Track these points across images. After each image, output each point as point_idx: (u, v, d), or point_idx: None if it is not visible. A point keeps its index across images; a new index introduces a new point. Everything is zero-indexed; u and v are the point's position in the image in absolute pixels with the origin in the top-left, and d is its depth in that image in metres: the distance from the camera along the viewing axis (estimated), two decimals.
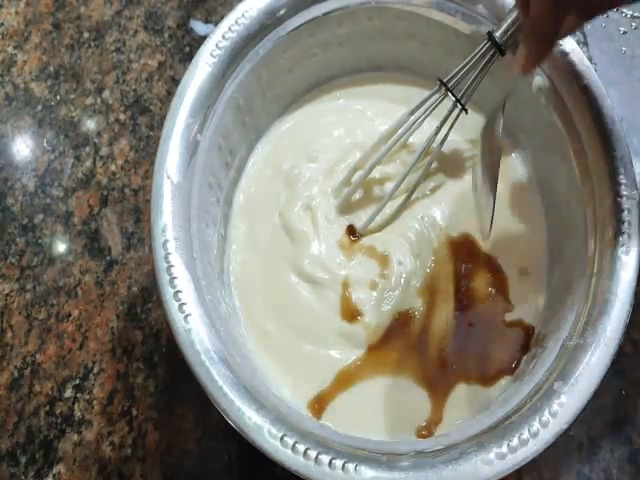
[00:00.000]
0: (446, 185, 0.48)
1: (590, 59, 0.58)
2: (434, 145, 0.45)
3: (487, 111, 0.50)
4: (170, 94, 0.57)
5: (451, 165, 0.49)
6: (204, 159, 0.42)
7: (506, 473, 0.33)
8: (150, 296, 0.50)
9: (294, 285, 0.45)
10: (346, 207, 0.47)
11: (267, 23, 0.44)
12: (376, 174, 0.47)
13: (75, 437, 0.47)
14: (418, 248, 0.45)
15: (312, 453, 0.33)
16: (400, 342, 0.43)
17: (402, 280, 0.44)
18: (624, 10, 0.61)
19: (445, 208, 0.47)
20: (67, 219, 0.53)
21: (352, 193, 0.47)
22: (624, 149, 0.40)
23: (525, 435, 0.34)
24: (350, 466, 0.33)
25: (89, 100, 0.57)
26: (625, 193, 0.39)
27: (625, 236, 0.38)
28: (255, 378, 0.38)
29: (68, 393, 0.48)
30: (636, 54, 0.59)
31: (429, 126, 0.45)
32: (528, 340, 0.43)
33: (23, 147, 0.56)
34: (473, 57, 0.42)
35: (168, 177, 0.39)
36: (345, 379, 0.42)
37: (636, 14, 0.60)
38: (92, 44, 0.60)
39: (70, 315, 0.50)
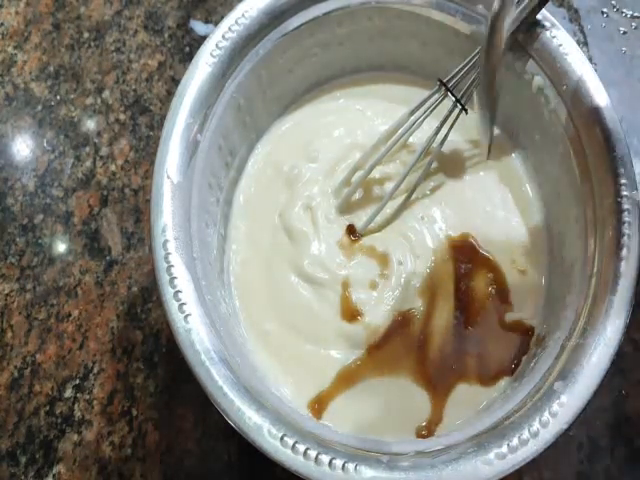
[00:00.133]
0: (446, 185, 0.48)
1: (590, 59, 0.58)
2: (434, 145, 0.45)
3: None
4: (170, 94, 0.57)
5: (451, 165, 0.49)
6: (204, 159, 0.41)
7: (506, 473, 0.33)
8: (150, 296, 0.50)
9: (294, 285, 0.45)
10: (346, 207, 0.47)
11: (267, 23, 0.44)
12: (376, 174, 0.47)
13: (75, 437, 0.47)
14: (418, 248, 0.45)
15: (312, 453, 0.33)
16: (400, 342, 0.43)
17: (402, 280, 0.44)
18: (624, 10, 0.61)
19: (445, 208, 0.47)
20: (67, 219, 0.53)
21: (352, 193, 0.47)
22: (624, 149, 0.40)
23: (525, 435, 0.34)
24: (350, 466, 0.33)
25: (89, 100, 0.57)
26: (625, 193, 0.39)
27: (625, 236, 0.38)
28: (255, 378, 0.38)
29: (68, 393, 0.48)
30: (636, 54, 0.59)
31: (429, 126, 0.45)
32: (528, 340, 0.43)
33: (23, 147, 0.56)
34: (473, 57, 0.42)
35: (168, 177, 0.39)
36: (345, 379, 0.42)
37: (636, 14, 0.60)
38: (92, 44, 0.60)
39: (70, 315, 0.50)
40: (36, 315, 0.50)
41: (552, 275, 0.45)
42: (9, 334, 0.50)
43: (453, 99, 0.43)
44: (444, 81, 0.43)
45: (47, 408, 0.48)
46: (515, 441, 0.33)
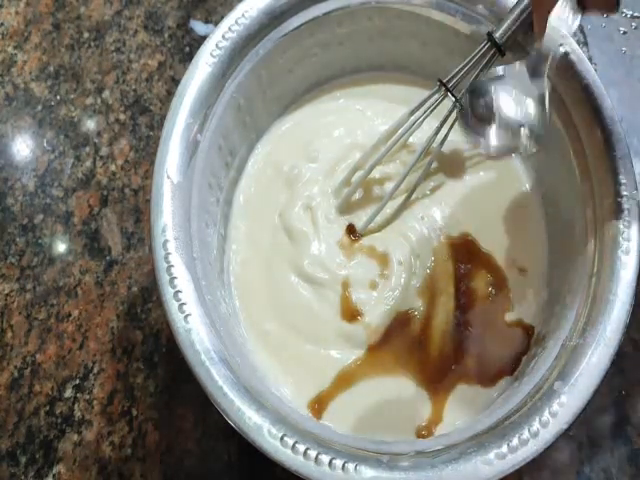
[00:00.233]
0: (446, 185, 0.48)
1: (590, 59, 0.58)
2: (434, 145, 0.45)
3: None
4: (170, 94, 0.57)
5: (451, 165, 0.49)
6: (204, 159, 0.42)
7: (506, 473, 0.33)
8: (150, 296, 0.50)
9: (294, 285, 0.45)
10: (346, 207, 0.47)
11: (267, 23, 0.44)
12: (376, 174, 0.47)
13: (75, 437, 0.47)
14: (418, 248, 0.45)
15: (312, 453, 0.33)
16: (400, 342, 0.43)
17: (402, 280, 0.44)
18: (624, 10, 0.61)
19: (445, 208, 0.47)
20: (67, 219, 0.53)
21: (352, 193, 0.47)
22: (624, 149, 0.40)
23: (525, 435, 0.34)
24: (350, 466, 0.33)
25: (89, 100, 0.57)
26: (625, 193, 0.39)
27: (625, 236, 0.38)
28: (255, 378, 0.38)
29: (68, 393, 0.48)
30: (636, 54, 0.59)
31: (429, 126, 0.45)
32: (528, 340, 0.43)
33: (23, 147, 0.56)
34: (473, 57, 0.42)
35: (168, 177, 0.39)
36: (345, 379, 0.42)
37: (636, 14, 0.60)
38: (92, 44, 0.60)
39: (70, 315, 0.50)
40: (36, 315, 0.50)
41: (552, 275, 0.45)
42: (9, 334, 0.50)
43: (453, 99, 0.43)
44: (444, 81, 0.43)
45: (47, 408, 0.48)
46: (515, 441, 0.33)
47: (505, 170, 0.49)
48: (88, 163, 0.55)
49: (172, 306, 0.36)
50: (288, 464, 0.33)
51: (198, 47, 0.42)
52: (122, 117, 0.57)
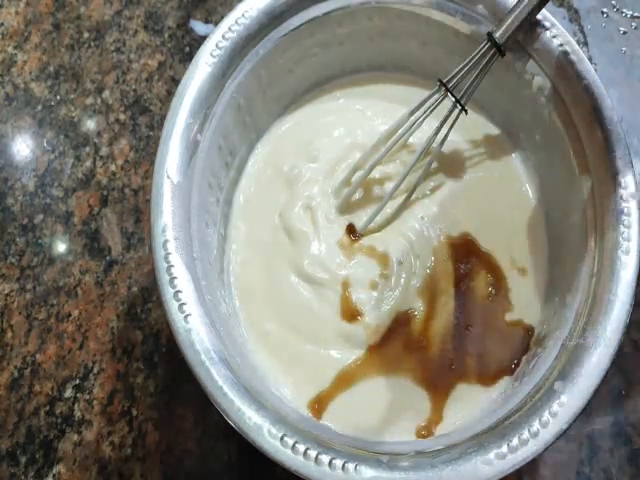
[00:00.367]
0: (446, 185, 0.48)
1: (590, 59, 0.58)
2: (434, 145, 0.45)
3: (487, 111, 0.50)
4: (170, 94, 0.57)
5: (451, 165, 0.49)
6: (204, 159, 0.42)
7: (506, 473, 0.33)
8: (150, 296, 0.50)
9: (294, 285, 0.45)
10: (346, 207, 0.47)
11: (267, 23, 0.44)
12: (376, 174, 0.47)
13: (75, 437, 0.47)
14: (418, 248, 0.45)
15: (312, 453, 0.33)
16: (400, 342, 0.43)
17: (402, 280, 0.44)
18: (624, 10, 0.61)
19: (445, 208, 0.47)
20: (67, 219, 0.53)
21: (352, 193, 0.47)
22: (624, 149, 0.40)
23: (525, 435, 0.34)
24: (350, 466, 0.33)
25: (89, 100, 0.57)
26: (625, 193, 0.39)
27: (625, 236, 0.38)
28: (255, 378, 0.38)
29: (68, 393, 0.48)
30: (636, 54, 0.59)
31: (429, 126, 0.45)
32: (528, 340, 0.43)
33: (23, 147, 0.56)
34: (473, 57, 0.42)
35: (168, 177, 0.39)
36: (345, 379, 0.42)
37: (636, 14, 0.60)
38: (92, 44, 0.60)
39: (70, 315, 0.50)
40: (36, 315, 0.50)
41: (552, 275, 0.45)
42: (9, 334, 0.50)
43: (453, 99, 0.43)
44: (444, 81, 0.43)
45: (47, 408, 0.48)
46: (515, 441, 0.33)
47: (505, 170, 0.49)
48: (88, 163, 0.55)
49: (172, 306, 0.36)
50: (288, 464, 0.33)
51: (198, 47, 0.42)
52: (122, 117, 0.57)
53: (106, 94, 0.58)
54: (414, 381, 0.42)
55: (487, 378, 0.42)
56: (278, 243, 0.46)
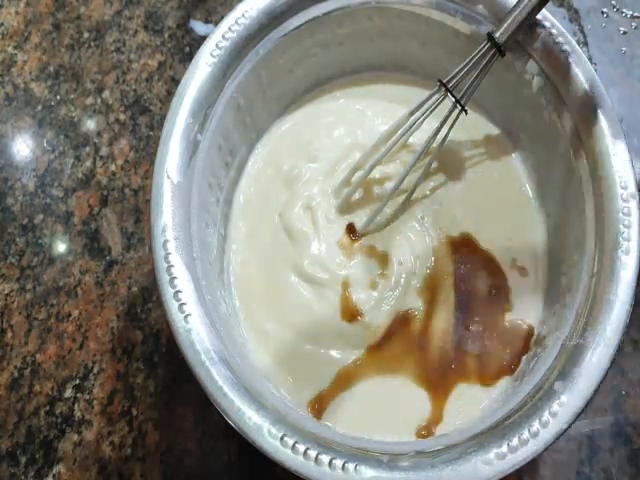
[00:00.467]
0: (446, 185, 0.48)
1: (590, 59, 0.58)
2: (434, 145, 0.45)
3: (487, 111, 0.50)
4: (170, 94, 0.57)
5: (451, 165, 0.49)
6: (204, 159, 0.42)
7: (506, 473, 0.33)
8: (150, 296, 0.50)
9: (294, 285, 0.45)
10: (346, 207, 0.47)
11: (267, 23, 0.44)
12: (376, 174, 0.47)
13: (75, 437, 0.47)
14: (418, 248, 0.45)
15: (312, 453, 0.33)
16: (400, 342, 0.43)
17: (402, 280, 0.44)
18: (624, 10, 0.61)
19: (445, 208, 0.47)
20: (67, 219, 0.53)
21: (352, 193, 0.47)
22: (624, 149, 0.40)
23: (525, 435, 0.34)
24: (350, 466, 0.33)
25: (89, 100, 0.57)
26: (625, 193, 0.39)
27: (625, 236, 0.38)
28: (255, 378, 0.38)
29: (68, 393, 0.48)
30: (636, 54, 0.59)
31: (429, 126, 0.45)
32: (528, 340, 0.43)
33: (23, 147, 0.56)
34: (473, 58, 0.42)
35: (168, 177, 0.39)
36: (345, 379, 0.42)
37: (636, 14, 0.60)
38: (92, 44, 0.60)
39: (70, 315, 0.50)
40: (36, 315, 0.50)
41: (552, 275, 0.45)
42: (9, 334, 0.50)
43: (453, 99, 0.43)
44: (444, 81, 0.43)
45: (47, 408, 0.48)
46: (515, 441, 0.33)
47: (505, 170, 0.49)
48: (88, 163, 0.55)
49: (172, 306, 0.36)
50: (288, 464, 0.33)
51: (198, 47, 0.42)
52: (122, 117, 0.57)
53: (106, 94, 0.58)
54: (414, 381, 0.42)
55: (487, 378, 0.42)
56: (278, 243, 0.46)
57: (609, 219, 0.38)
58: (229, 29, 0.43)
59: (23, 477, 0.46)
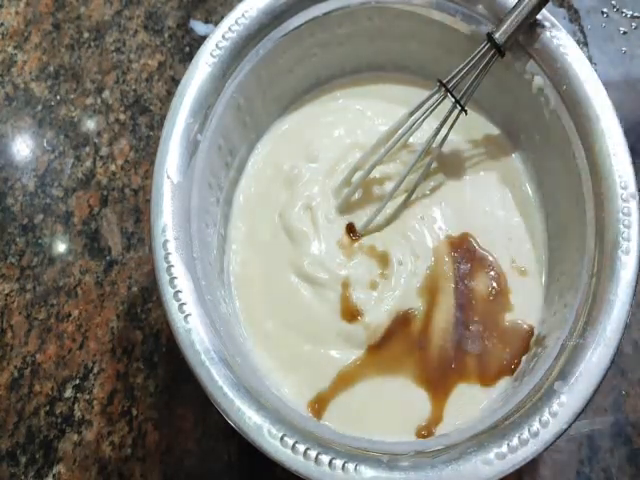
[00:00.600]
0: (446, 185, 0.48)
1: (590, 59, 0.58)
2: (434, 145, 0.45)
3: (487, 111, 0.50)
4: (170, 94, 0.57)
5: (451, 165, 0.49)
6: (204, 159, 0.42)
7: (506, 473, 0.33)
8: (150, 296, 0.50)
9: (294, 285, 0.45)
10: (346, 207, 0.47)
11: (267, 23, 0.44)
12: (376, 174, 0.47)
13: (75, 437, 0.47)
14: (418, 248, 0.45)
15: (312, 453, 0.33)
16: (400, 342, 0.43)
17: (402, 280, 0.44)
18: (624, 10, 0.61)
19: (445, 208, 0.47)
20: (67, 219, 0.53)
21: (352, 193, 0.47)
22: (624, 149, 0.40)
23: (525, 435, 0.34)
24: (350, 466, 0.33)
25: (89, 100, 0.57)
26: (625, 193, 0.39)
27: (625, 236, 0.38)
28: (255, 378, 0.38)
29: (68, 393, 0.48)
30: (636, 54, 0.59)
31: (429, 126, 0.45)
32: (528, 340, 0.43)
33: (23, 147, 0.56)
34: (473, 58, 0.42)
35: (168, 177, 0.39)
36: (345, 379, 0.42)
37: (636, 14, 0.60)
38: (92, 44, 0.60)
39: (70, 315, 0.50)
40: (36, 315, 0.50)
41: (552, 275, 0.45)
42: (9, 334, 0.50)
43: (453, 100, 0.43)
44: (444, 81, 0.43)
45: (47, 408, 0.48)
46: (515, 441, 0.33)
47: (505, 170, 0.49)
48: (88, 163, 0.55)
49: (172, 306, 0.36)
50: (288, 464, 0.33)
51: (198, 47, 0.42)
52: (122, 117, 0.57)
53: (106, 94, 0.58)
54: (414, 381, 0.42)
55: (487, 378, 0.42)
56: (278, 243, 0.46)
57: (609, 219, 0.38)
58: (229, 29, 0.43)
59: (23, 477, 0.46)
